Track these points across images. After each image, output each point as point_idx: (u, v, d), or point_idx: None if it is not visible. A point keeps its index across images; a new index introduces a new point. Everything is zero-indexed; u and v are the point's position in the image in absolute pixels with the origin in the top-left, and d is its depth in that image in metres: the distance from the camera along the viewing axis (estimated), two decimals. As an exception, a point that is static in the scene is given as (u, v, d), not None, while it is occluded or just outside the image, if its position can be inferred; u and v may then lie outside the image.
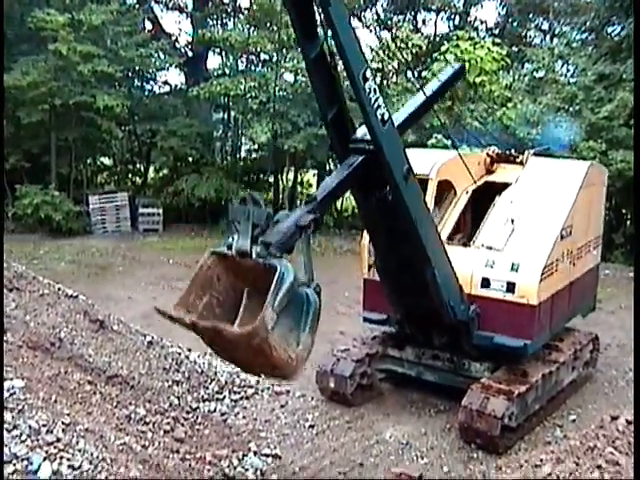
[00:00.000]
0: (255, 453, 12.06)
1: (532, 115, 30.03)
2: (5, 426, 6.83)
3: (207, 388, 13.95)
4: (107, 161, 42.17)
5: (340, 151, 11.16)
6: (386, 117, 10.66)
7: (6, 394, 7.43)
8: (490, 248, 13.68)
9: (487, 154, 15.79)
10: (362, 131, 11.06)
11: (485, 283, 13.44)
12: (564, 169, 15.10)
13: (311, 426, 13.66)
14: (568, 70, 33.77)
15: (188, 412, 12.68)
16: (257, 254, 9.06)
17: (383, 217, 11.80)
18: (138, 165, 41.89)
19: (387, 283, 13.34)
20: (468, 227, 14.78)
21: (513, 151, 16.08)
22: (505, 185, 14.83)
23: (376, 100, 10.43)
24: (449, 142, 21.39)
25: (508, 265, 13.29)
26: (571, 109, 30.50)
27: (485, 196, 14.73)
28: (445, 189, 14.63)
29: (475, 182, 14.78)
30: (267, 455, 12.20)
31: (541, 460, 9.75)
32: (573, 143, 26.00)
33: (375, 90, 10.39)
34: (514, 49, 35.55)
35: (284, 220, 9.58)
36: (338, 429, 13.78)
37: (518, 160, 15.69)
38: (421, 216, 11.85)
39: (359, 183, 11.30)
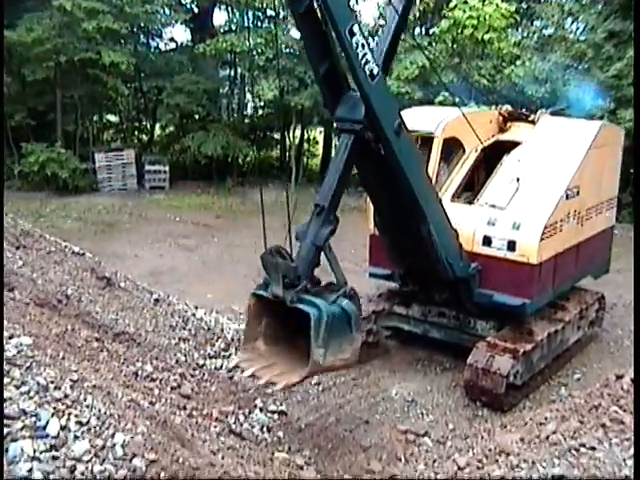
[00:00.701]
0: (261, 410, 12.13)
1: (541, 73, 29.76)
2: (13, 382, 6.86)
3: (214, 345, 13.99)
4: (113, 118, 41.97)
5: (332, 108, 11.13)
6: (375, 72, 10.52)
7: (14, 351, 7.45)
8: (493, 206, 13.65)
9: (499, 112, 15.70)
10: (344, 107, 11.02)
11: (486, 241, 13.43)
12: (574, 129, 14.93)
13: (317, 383, 13.73)
14: (578, 27, 33.33)
15: (195, 369, 12.73)
16: (290, 301, 10.32)
17: (377, 172, 11.79)
18: (144, 122, 41.73)
19: (386, 239, 13.38)
20: (481, 185, 14.70)
21: (524, 110, 16.01)
22: (517, 144, 14.75)
23: (364, 55, 10.31)
24: (457, 99, 21.20)
25: (510, 223, 13.26)
26: (580, 67, 30.22)
27: (499, 154, 14.66)
28: (454, 147, 14.57)
29: (481, 141, 14.67)
30: (273, 412, 12.27)
31: (546, 418, 9.79)
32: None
33: (363, 45, 10.24)
34: (523, 6, 35.04)
35: (303, 239, 10.75)
36: (344, 386, 13.86)
37: (530, 119, 15.59)
38: (415, 172, 11.80)
39: (356, 153, 11.31)
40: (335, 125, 11.31)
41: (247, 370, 11.00)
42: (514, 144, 14.78)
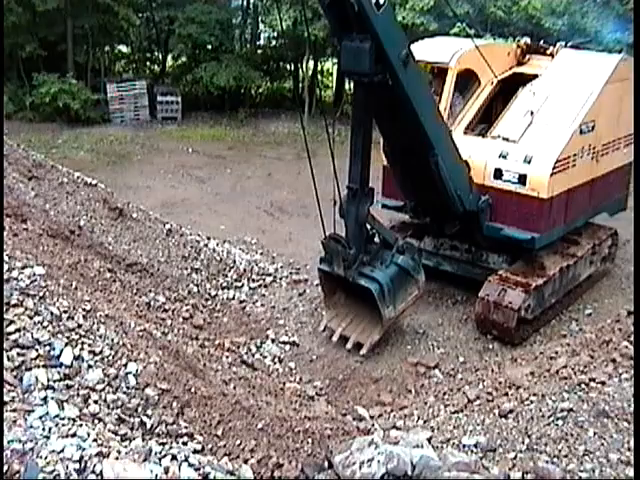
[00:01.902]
0: (273, 340, 12.24)
1: (558, 5, 29.17)
2: (27, 312, 6.90)
3: (226, 276, 14.06)
4: (125, 49, 41.56)
5: (339, 37, 11.03)
6: (381, 1, 10.38)
7: (27, 281, 7.48)
8: (506, 139, 13.53)
9: (517, 45, 15.47)
10: (347, 57, 11.06)
11: (498, 174, 13.35)
12: (592, 62, 14.64)
13: (329, 315, 13.79)
14: (597, -44, 32.60)
15: (207, 300, 12.81)
16: (352, 279, 12.05)
17: (385, 103, 11.71)
18: (156, 53, 41.28)
19: (396, 171, 13.34)
20: (497, 118, 14.54)
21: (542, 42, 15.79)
22: (535, 77, 14.54)
23: None
24: (472, 31, 20.88)
25: (521, 157, 13.15)
26: (599, -1, 29.64)
27: (518, 87, 14.47)
28: (469, 79, 14.40)
29: (495, 74, 14.47)
30: (285, 342, 12.39)
31: (556, 352, 9.82)
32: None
33: None
34: None
35: (348, 220, 12.06)
36: (356, 318, 13.90)
37: (549, 52, 15.35)
38: (422, 103, 11.71)
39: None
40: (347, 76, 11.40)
41: (336, 333, 12.57)
42: (532, 77, 14.57)
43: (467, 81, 14.41)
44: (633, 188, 13.53)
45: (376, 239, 12.65)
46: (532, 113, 13.53)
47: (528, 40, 15.67)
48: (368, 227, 12.35)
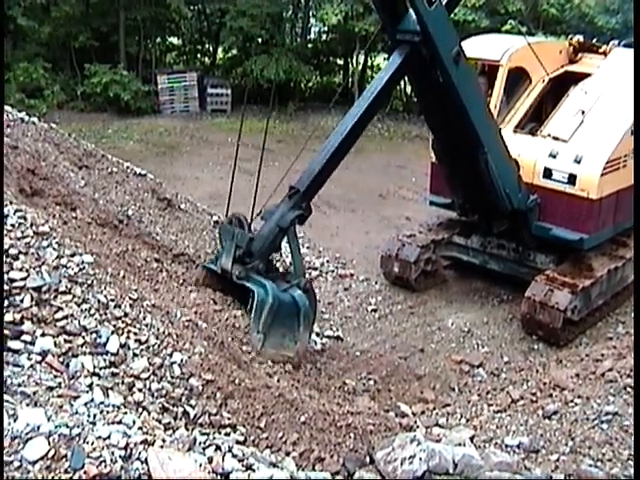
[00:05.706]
0: (318, 334, 12.22)
1: (612, 3, 28.84)
2: (74, 300, 6.96)
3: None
4: (176, 41, 41.85)
5: (391, 33, 10.98)
6: None
7: (76, 269, 7.54)
8: (556, 138, 13.41)
9: (570, 43, 15.31)
10: (405, 21, 10.80)
11: (547, 173, 13.24)
12: None
13: (374, 310, 13.82)
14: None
15: (252, 293, 12.82)
16: (237, 276, 9.97)
17: (434, 98, 11.66)
18: (207, 45, 41.52)
19: (444, 166, 13.30)
20: (547, 116, 14.41)
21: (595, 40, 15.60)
22: (587, 75, 14.39)
23: None
24: (524, 29, 20.69)
25: (572, 156, 13.02)
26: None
27: (569, 86, 14.32)
28: (520, 77, 14.30)
29: (547, 72, 14.33)
30: (329, 337, 12.38)
31: (602, 355, 9.72)
32: None
33: None
34: None
35: (268, 220, 10.47)
36: (400, 314, 13.91)
37: (601, 50, 15.17)
38: (473, 101, 11.63)
39: (411, 71, 11.24)
40: (397, 37, 11.06)
41: None
42: (584, 75, 14.42)
43: (516, 79, 14.30)
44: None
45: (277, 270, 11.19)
46: (583, 112, 13.38)
47: (581, 38, 15.48)
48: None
